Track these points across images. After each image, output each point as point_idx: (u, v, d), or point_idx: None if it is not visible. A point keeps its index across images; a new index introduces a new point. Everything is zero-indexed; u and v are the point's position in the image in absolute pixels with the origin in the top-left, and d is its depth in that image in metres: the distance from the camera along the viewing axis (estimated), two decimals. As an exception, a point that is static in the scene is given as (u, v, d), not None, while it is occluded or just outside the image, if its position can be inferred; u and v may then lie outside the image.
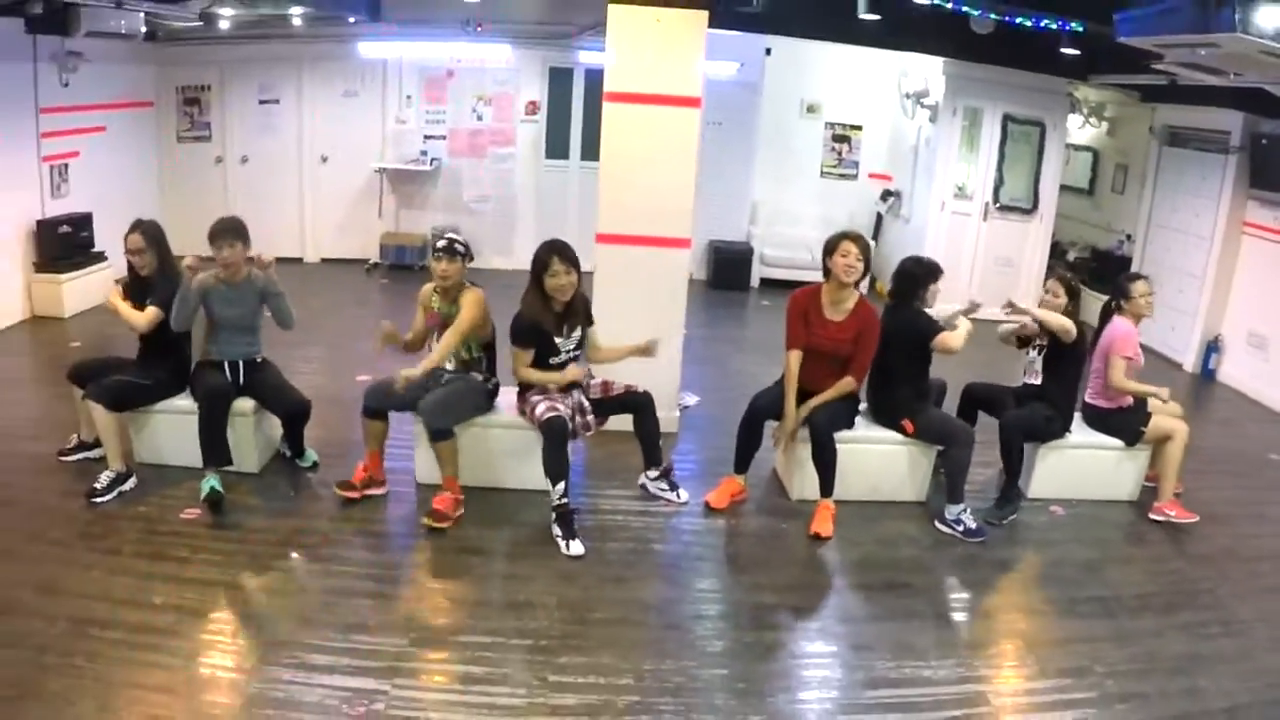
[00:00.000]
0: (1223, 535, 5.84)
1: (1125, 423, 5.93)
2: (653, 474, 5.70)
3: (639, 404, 5.58)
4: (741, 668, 4.16)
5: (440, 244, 5.33)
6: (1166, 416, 5.92)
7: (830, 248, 5.46)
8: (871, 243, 9.79)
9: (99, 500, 5.26)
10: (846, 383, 5.46)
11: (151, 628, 4.17)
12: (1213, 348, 9.41)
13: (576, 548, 5.00)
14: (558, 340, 5.34)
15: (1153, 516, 5.84)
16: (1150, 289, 5.91)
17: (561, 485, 5.10)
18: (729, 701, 3.88)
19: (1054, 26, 7.08)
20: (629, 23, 6.02)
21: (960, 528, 5.50)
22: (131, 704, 3.67)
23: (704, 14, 6.07)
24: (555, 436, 5.12)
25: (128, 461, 5.52)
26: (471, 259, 5.41)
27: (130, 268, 5.63)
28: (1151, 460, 6.05)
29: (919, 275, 5.67)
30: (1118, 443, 5.98)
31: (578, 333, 5.43)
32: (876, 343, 5.47)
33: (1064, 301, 5.68)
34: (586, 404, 5.49)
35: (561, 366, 5.36)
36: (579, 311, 5.43)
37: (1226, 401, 8.91)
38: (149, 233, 5.54)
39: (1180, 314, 9.70)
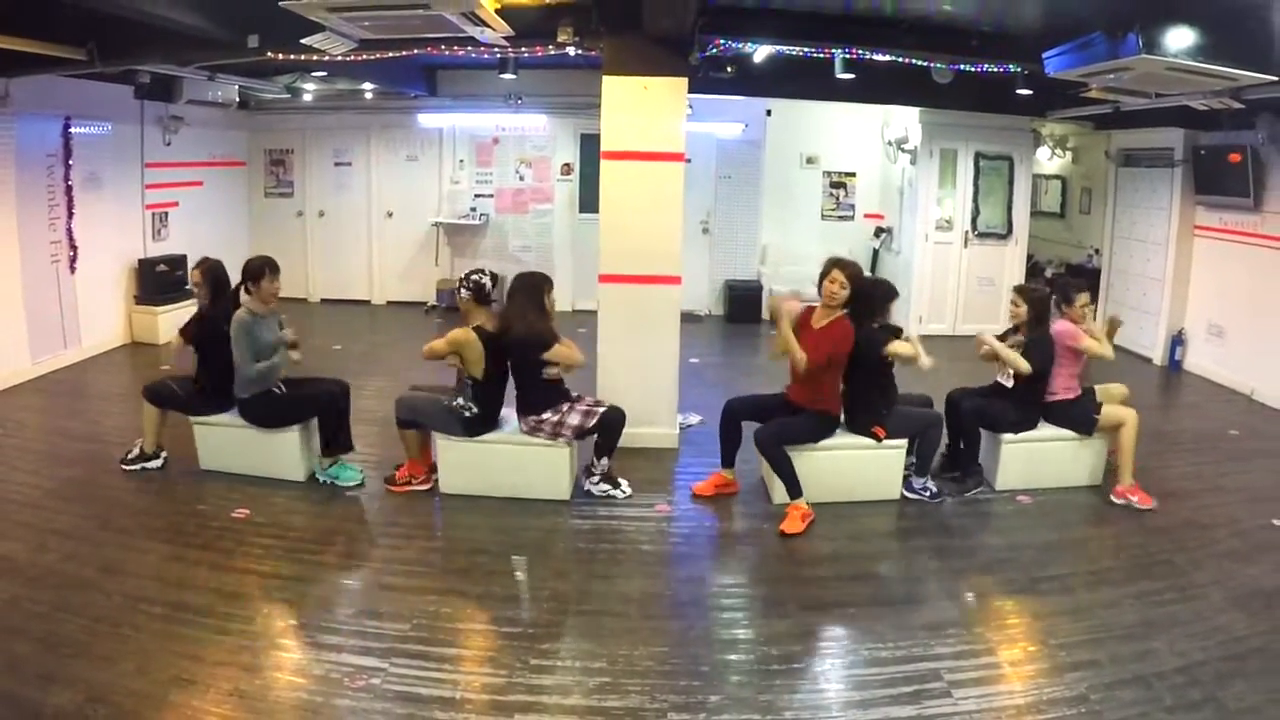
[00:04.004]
0: (1183, 509, 5.69)
1: (1080, 413, 5.84)
2: (595, 477, 5.71)
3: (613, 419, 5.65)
4: (708, 654, 4.07)
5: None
6: (1117, 405, 5.84)
7: (824, 273, 5.48)
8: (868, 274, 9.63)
9: (127, 467, 5.69)
10: (800, 359, 5.30)
11: (191, 606, 4.24)
12: (1177, 341, 9.47)
13: (626, 489, 5.57)
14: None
15: (1114, 499, 5.71)
16: (1089, 301, 5.93)
17: (606, 460, 5.58)
18: (691, 683, 3.81)
19: (996, 70, 7.07)
20: (621, 91, 6.11)
21: (926, 493, 5.59)
22: (164, 667, 3.73)
23: (684, 81, 6.15)
24: (612, 425, 5.50)
25: (159, 445, 5.80)
26: (478, 298, 5.42)
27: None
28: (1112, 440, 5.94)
29: (876, 298, 5.61)
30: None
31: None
32: (842, 353, 5.36)
33: (1024, 309, 5.73)
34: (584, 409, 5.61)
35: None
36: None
37: (1192, 388, 8.88)
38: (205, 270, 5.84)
39: (1146, 314, 9.76)
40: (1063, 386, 5.87)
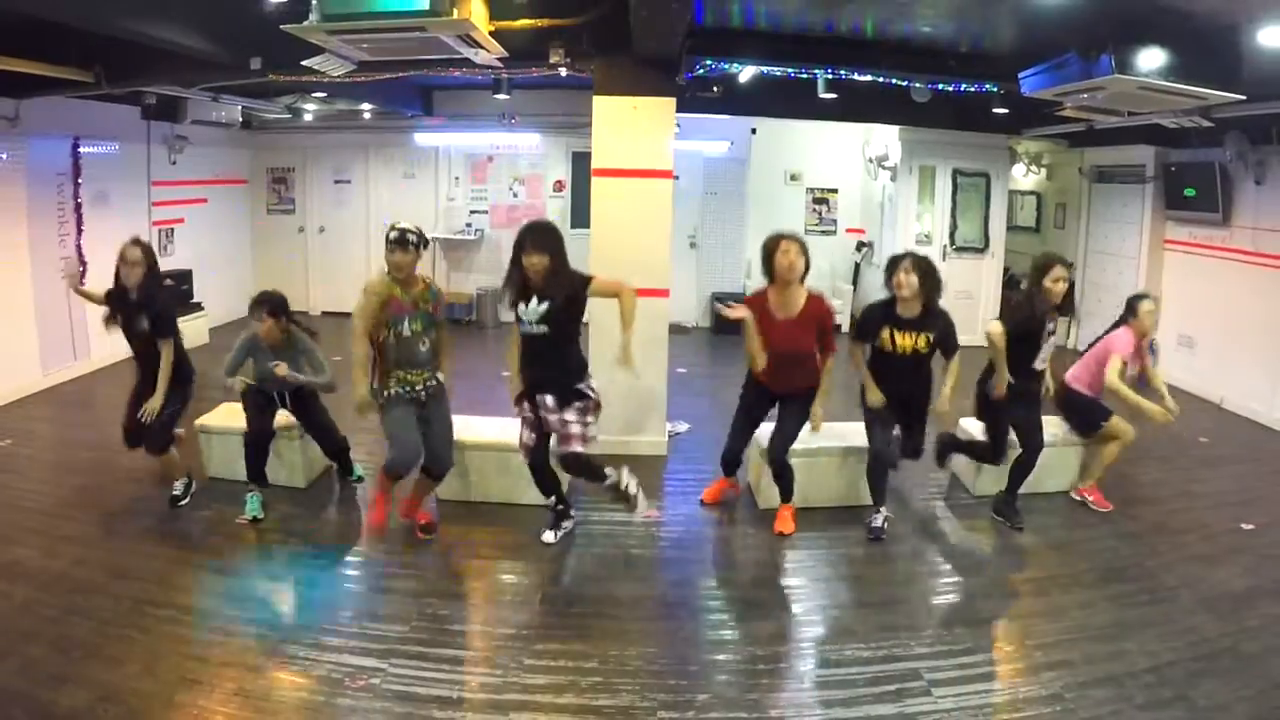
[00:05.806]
0: (1153, 514, 5.75)
1: (1090, 413, 5.81)
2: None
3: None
4: (696, 654, 4.10)
5: (393, 235, 4.75)
6: (1123, 421, 5.80)
7: (770, 249, 5.06)
8: (849, 287, 9.64)
9: (182, 504, 5.44)
10: (829, 366, 5.19)
11: (196, 609, 4.28)
12: (1148, 351, 9.34)
13: (548, 536, 5.07)
14: (522, 305, 4.75)
15: (1073, 495, 5.77)
16: (1154, 306, 5.86)
17: (552, 498, 5.19)
18: (680, 683, 3.85)
19: (973, 90, 7.14)
20: (611, 110, 6.19)
21: (865, 527, 5.36)
22: (171, 668, 3.77)
23: (673, 100, 6.24)
24: (532, 472, 5.10)
25: (188, 472, 5.61)
26: (425, 246, 4.91)
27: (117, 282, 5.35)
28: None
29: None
30: (1057, 438, 5.84)
31: (545, 305, 4.65)
32: (828, 325, 5.16)
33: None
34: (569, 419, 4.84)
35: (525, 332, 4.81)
36: (554, 288, 4.65)
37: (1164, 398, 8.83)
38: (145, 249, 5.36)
39: (1119, 325, 9.78)
40: (1089, 383, 5.81)
